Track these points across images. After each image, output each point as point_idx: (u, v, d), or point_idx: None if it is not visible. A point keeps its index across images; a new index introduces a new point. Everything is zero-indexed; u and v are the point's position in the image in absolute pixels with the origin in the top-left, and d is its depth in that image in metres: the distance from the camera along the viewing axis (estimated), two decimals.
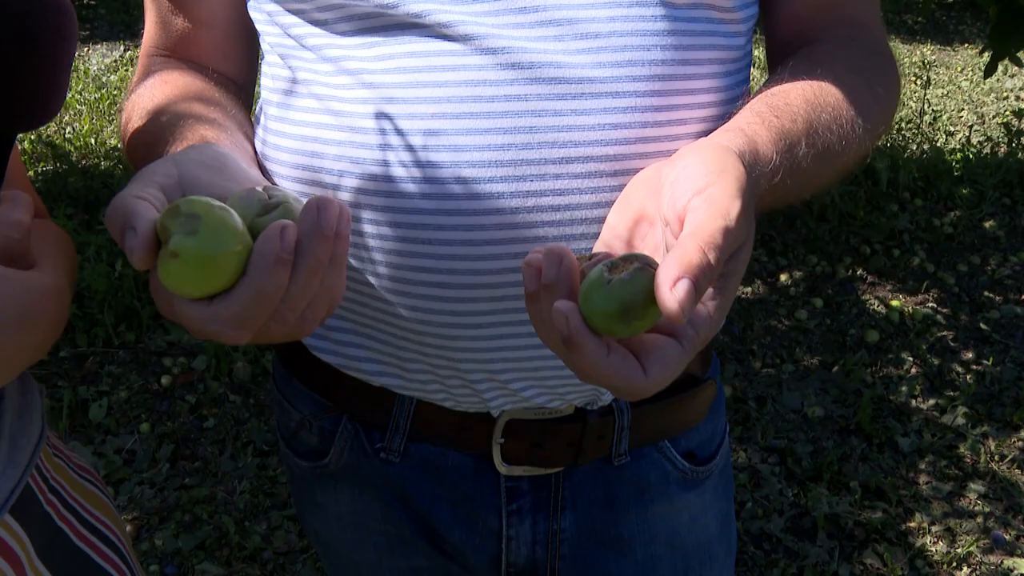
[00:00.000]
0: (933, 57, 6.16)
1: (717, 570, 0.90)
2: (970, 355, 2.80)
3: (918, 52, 6.31)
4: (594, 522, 0.83)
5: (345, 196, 0.66)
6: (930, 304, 3.07)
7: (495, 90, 0.62)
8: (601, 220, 0.63)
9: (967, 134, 4.51)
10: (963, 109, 5.07)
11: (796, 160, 0.62)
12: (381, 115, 0.64)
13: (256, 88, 0.82)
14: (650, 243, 0.57)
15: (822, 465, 2.30)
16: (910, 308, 3.03)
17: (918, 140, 4.30)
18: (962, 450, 2.39)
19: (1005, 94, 5.31)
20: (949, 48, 6.51)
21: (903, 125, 4.42)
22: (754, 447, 2.39)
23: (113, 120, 4.35)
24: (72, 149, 3.84)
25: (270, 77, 0.74)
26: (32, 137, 3.74)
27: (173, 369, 2.59)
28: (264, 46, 0.75)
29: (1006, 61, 2.82)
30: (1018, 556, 2.06)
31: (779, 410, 2.54)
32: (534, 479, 0.80)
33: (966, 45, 6.57)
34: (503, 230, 0.64)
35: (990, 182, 3.83)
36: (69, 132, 4.11)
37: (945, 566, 2.03)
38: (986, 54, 2.90)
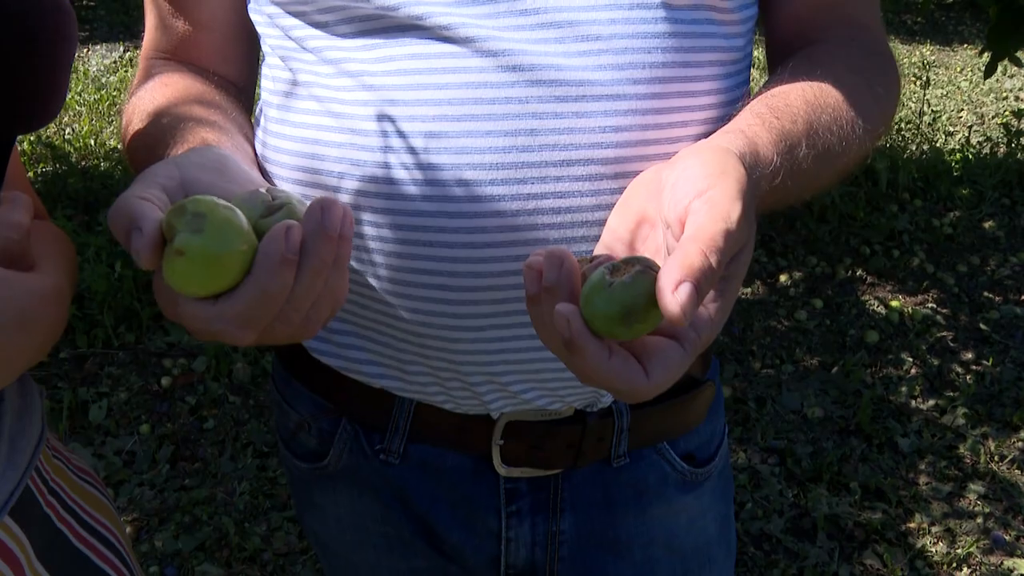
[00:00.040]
0: (932, 57, 6.17)
1: (716, 572, 0.90)
2: (970, 355, 2.80)
3: (917, 52, 6.31)
4: (593, 524, 0.83)
5: (346, 198, 0.66)
6: (930, 305, 3.07)
7: (496, 92, 0.62)
8: (601, 223, 0.63)
9: (966, 134, 4.52)
10: (962, 109, 5.07)
11: (797, 161, 0.62)
12: (382, 117, 0.64)
13: (256, 90, 0.82)
14: (651, 245, 0.57)
15: (822, 466, 2.30)
16: (910, 309, 3.03)
17: (917, 141, 4.30)
18: (962, 451, 2.39)
19: (1004, 94, 5.32)
20: (948, 48, 6.52)
21: (902, 126, 4.43)
22: (754, 448, 2.39)
23: (113, 121, 4.35)
24: (72, 150, 3.83)
25: (270, 79, 0.74)
26: (32, 138, 3.74)
27: (173, 370, 2.59)
28: (265, 48, 0.75)
29: (1005, 61, 2.82)
30: (1018, 557, 2.06)
31: (779, 411, 2.54)
32: (533, 480, 0.80)
33: (965, 45, 6.57)
34: (504, 232, 0.64)
35: (989, 182, 3.83)
36: (69, 133, 4.11)
37: (945, 567, 2.03)
38: (986, 54, 2.89)
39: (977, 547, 2.08)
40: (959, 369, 2.73)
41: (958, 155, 4.07)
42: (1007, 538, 2.11)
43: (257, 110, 0.77)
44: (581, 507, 0.82)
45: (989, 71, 2.82)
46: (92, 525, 0.75)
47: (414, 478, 0.81)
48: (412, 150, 0.63)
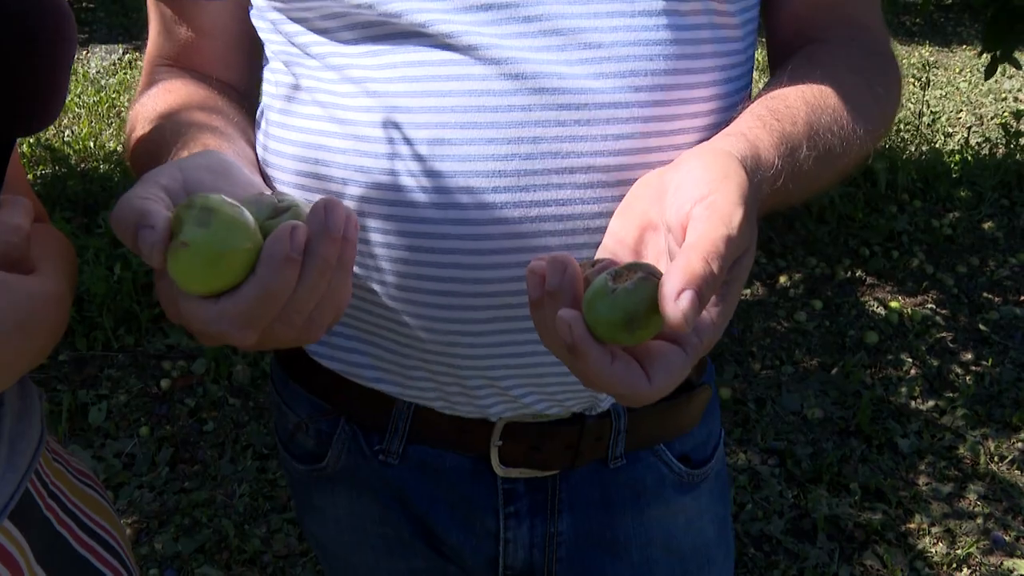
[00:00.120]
0: (931, 59, 6.17)
1: (716, 573, 0.90)
2: (969, 356, 2.80)
3: (916, 54, 6.32)
4: (591, 525, 0.83)
5: (350, 203, 0.67)
6: (929, 305, 3.08)
7: (498, 100, 0.62)
8: (603, 229, 0.63)
9: (965, 135, 4.52)
10: (961, 110, 5.07)
11: (798, 163, 0.62)
12: (386, 124, 0.64)
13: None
14: (655, 250, 0.57)
15: (822, 467, 2.30)
16: (909, 309, 3.03)
17: (917, 142, 4.30)
18: (962, 451, 2.39)
19: (1003, 95, 5.32)
20: (947, 50, 6.52)
21: (902, 127, 4.43)
22: (754, 449, 2.39)
23: (112, 123, 4.35)
24: (71, 152, 3.83)
25: (273, 83, 0.74)
26: (31, 141, 3.73)
27: (172, 372, 2.58)
28: (267, 52, 0.75)
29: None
30: (1018, 557, 2.06)
31: (779, 412, 2.54)
32: (531, 481, 0.80)
33: (964, 47, 6.58)
34: (506, 239, 0.64)
35: (989, 183, 3.83)
36: (68, 135, 4.11)
37: (945, 567, 2.03)
38: (985, 56, 2.90)
39: (977, 547, 2.08)
40: (959, 370, 2.73)
41: (957, 156, 4.07)
42: (1007, 538, 2.11)
43: (258, 112, 0.77)
44: (579, 508, 0.82)
45: (989, 72, 2.82)
46: (92, 528, 0.74)
47: (413, 479, 0.81)
48: (416, 157, 0.64)
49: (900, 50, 6.42)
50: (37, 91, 0.64)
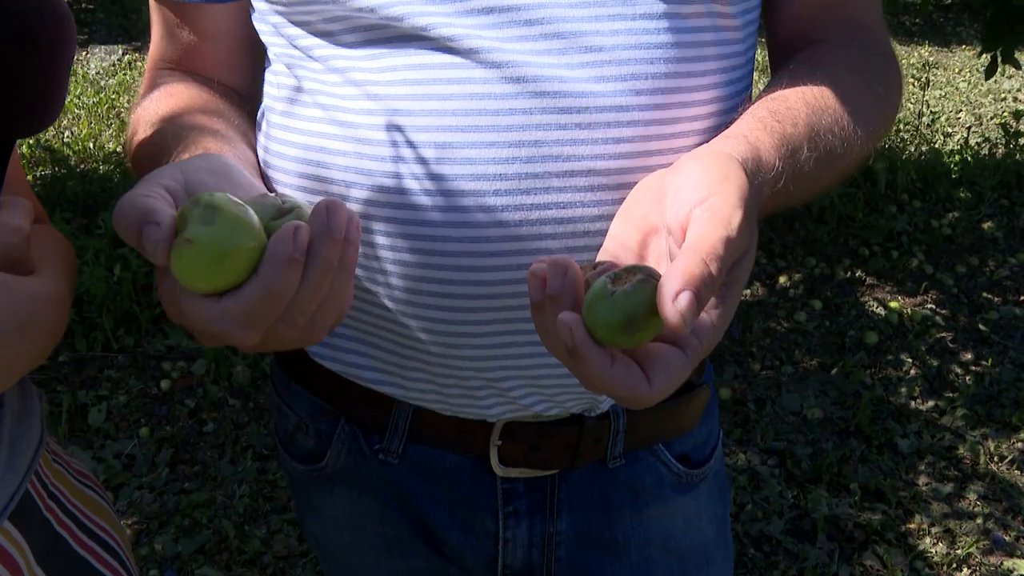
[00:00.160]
0: (931, 59, 6.17)
1: (715, 574, 0.90)
2: (969, 356, 2.80)
3: (916, 54, 6.32)
4: (590, 525, 0.83)
5: (352, 206, 0.67)
6: (929, 305, 3.08)
7: (499, 104, 0.62)
8: (603, 233, 0.63)
9: (965, 135, 4.52)
10: (961, 110, 5.07)
11: (798, 165, 0.62)
12: (389, 127, 0.64)
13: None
14: (656, 252, 0.57)
15: (822, 467, 2.30)
16: (909, 310, 3.03)
17: (916, 142, 4.30)
18: (961, 451, 2.39)
19: (1003, 95, 5.32)
20: (947, 50, 6.52)
21: (901, 127, 4.43)
22: (754, 449, 2.39)
23: (112, 124, 4.35)
24: (70, 153, 3.83)
25: (275, 85, 0.74)
26: (31, 142, 3.73)
27: (172, 373, 2.58)
28: (270, 55, 0.75)
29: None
30: (1018, 557, 2.06)
31: (778, 412, 2.54)
32: (530, 481, 0.81)
33: (964, 47, 6.58)
34: (507, 242, 0.64)
35: (988, 183, 3.83)
36: (67, 136, 4.11)
37: (945, 567, 2.03)
38: (985, 56, 2.90)
39: (977, 547, 2.08)
40: (958, 370, 2.73)
41: (957, 156, 4.07)
42: (1007, 538, 2.11)
43: (259, 114, 0.77)
44: (578, 508, 0.82)
45: (990, 72, 2.82)
46: (92, 529, 0.74)
47: (413, 479, 0.81)
48: (417, 160, 0.64)
49: (900, 50, 6.42)
50: (37, 92, 0.64)
